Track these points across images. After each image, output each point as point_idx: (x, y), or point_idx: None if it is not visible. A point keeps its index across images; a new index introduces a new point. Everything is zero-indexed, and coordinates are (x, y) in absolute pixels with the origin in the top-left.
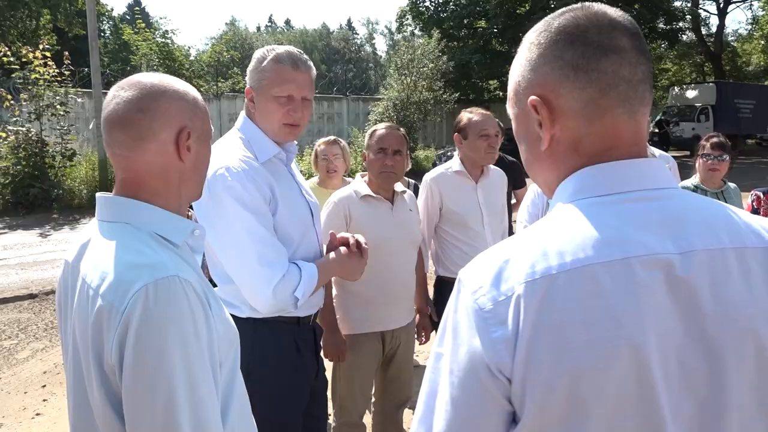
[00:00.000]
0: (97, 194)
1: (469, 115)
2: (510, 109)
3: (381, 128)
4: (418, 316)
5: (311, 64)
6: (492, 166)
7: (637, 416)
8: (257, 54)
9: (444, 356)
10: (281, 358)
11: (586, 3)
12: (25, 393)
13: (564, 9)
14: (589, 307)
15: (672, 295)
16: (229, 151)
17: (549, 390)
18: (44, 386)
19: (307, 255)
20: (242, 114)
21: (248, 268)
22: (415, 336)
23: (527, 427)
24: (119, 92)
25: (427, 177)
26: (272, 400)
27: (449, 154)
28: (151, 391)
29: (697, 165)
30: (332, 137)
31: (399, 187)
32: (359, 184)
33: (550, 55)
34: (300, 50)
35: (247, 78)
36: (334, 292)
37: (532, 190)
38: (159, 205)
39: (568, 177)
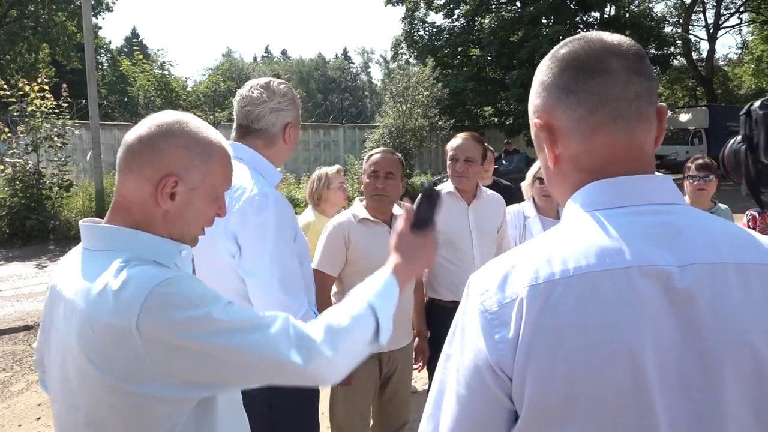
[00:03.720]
0: (81, 223)
1: (453, 138)
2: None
3: (375, 152)
4: (416, 339)
5: None
6: (489, 190)
7: (632, 419)
8: (283, 89)
9: (452, 356)
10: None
11: (586, 33)
12: (20, 426)
13: (566, 40)
14: (588, 312)
15: (670, 306)
16: (249, 176)
17: (545, 389)
18: (39, 419)
19: (309, 285)
20: (232, 143)
21: (273, 298)
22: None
23: (525, 424)
24: (143, 123)
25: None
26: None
27: (445, 180)
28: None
29: (685, 187)
30: (339, 166)
31: (397, 210)
32: (357, 208)
33: (548, 81)
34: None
35: (286, 114)
36: None
37: (509, 211)
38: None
39: (577, 191)
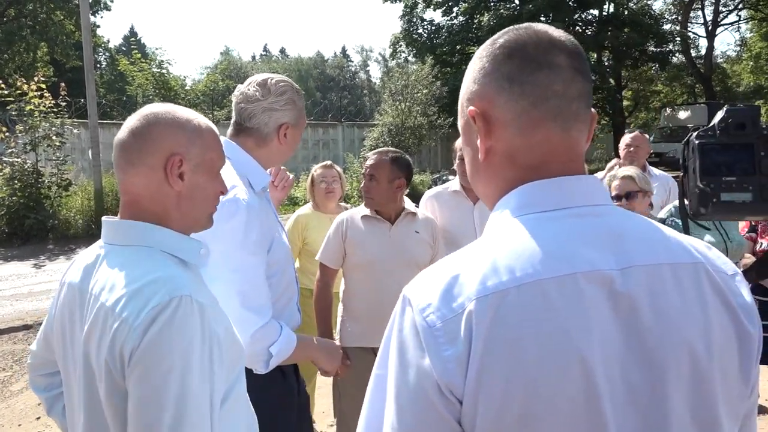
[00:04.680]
0: (104, 218)
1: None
2: (458, 122)
3: (370, 154)
4: None
5: None
6: None
7: (585, 430)
8: (281, 87)
9: (389, 378)
10: (269, 383)
11: (531, 24)
12: (19, 426)
13: (510, 27)
14: (541, 321)
15: (614, 310)
16: (229, 177)
17: (503, 406)
18: (38, 418)
19: (288, 278)
20: (224, 140)
21: (231, 308)
22: None
23: None
24: (129, 120)
25: (426, 195)
26: (266, 425)
27: (444, 178)
28: (146, 406)
29: None
30: (328, 162)
31: (411, 207)
32: (362, 206)
33: (489, 68)
34: None
35: (281, 114)
36: (340, 307)
37: None
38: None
39: (512, 191)
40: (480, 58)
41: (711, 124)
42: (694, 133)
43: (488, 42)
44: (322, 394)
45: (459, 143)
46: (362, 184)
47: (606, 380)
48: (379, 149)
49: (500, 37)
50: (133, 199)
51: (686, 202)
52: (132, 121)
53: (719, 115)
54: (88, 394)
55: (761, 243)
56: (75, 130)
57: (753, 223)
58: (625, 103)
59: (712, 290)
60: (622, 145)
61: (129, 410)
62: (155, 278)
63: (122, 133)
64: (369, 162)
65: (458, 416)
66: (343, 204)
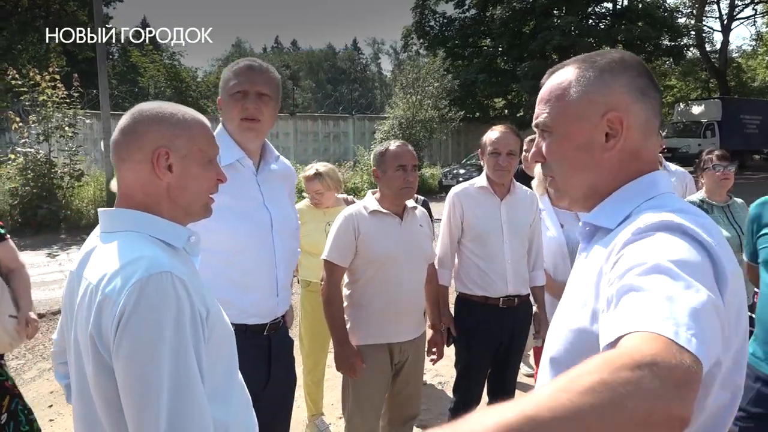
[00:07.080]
0: (99, 210)
1: (489, 131)
2: (561, 119)
3: (394, 146)
4: (431, 331)
5: (271, 68)
6: (523, 186)
7: None
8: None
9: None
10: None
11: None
12: None
13: (620, 51)
14: None
15: None
16: None
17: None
18: (51, 406)
19: (258, 261)
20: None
21: None
22: (426, 352)
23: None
24: (123, 116)
25: (452, 192)
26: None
27: (455, 171)
28: (140, 381)
29: (702, 179)
30: (312, 172)
31: (410, 203)
32: (369, 201)
33: (622, 78)
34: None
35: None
36: (344, 304)
37: None
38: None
39: (645, 175)
40: (604, 69)
41: None
42: None
43: (615, 58)
44: (331, 386)
45: (489, 138)
46: (404, 177)
47: None
48: (396, 141)
49: (624, 57)
50: (126, 192)
51: None
52: (122, 120)
53: None
54: (78, 377)
55: None
56: (87, 121)
57: None
58: None
59: None
60: None
61: (120, 386)
62: (137, 257)
63: (114, 132)
64: (406, 153)
65: None
66: (341, 196)
